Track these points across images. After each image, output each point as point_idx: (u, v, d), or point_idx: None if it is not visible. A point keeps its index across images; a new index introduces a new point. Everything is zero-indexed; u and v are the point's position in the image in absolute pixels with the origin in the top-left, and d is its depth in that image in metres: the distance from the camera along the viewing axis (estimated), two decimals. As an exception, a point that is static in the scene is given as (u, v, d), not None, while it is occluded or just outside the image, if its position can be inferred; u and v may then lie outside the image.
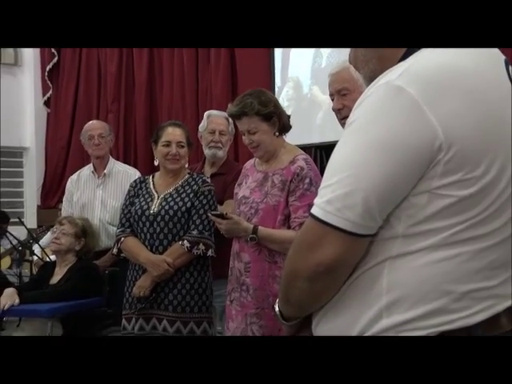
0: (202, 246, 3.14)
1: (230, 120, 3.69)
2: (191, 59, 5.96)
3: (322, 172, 1.28)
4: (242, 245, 2.92)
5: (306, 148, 4.36)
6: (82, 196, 4.23)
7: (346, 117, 2.41)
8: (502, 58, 1.28)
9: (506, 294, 1.23)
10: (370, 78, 1.31)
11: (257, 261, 2.87)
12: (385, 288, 1.19)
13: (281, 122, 2.93)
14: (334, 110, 2.52)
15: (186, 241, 3.13)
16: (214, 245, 3.20)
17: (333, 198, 1.17)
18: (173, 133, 3.28)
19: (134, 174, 4.22)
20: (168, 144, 3.24)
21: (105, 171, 4.24)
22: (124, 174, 4.22)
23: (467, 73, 1.17)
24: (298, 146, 3.13)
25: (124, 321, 3.23)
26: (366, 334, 1.21)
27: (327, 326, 1.28)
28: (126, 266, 3.38)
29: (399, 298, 1.18)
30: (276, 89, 5.19)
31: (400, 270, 1.19)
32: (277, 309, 1.41)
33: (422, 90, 1.14)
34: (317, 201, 1.21)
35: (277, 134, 2.94)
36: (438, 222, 1.16)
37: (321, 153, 4.75)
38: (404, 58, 1.24)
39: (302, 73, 5.09)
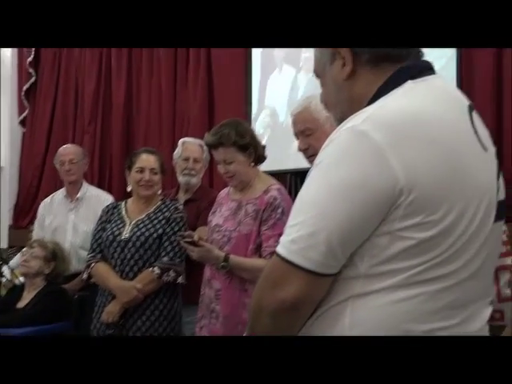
0: (172, 273, 3.14)
1: (205, 147, 3.72)
2: (169, 83, 5.98)
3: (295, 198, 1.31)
4: (214, 272, 2.93)
5: (281, 174, 4.41)
6: (54, 220, 4.22)
7: (313, 155, 2.49)
8: (466, 103, 1.31)
9: (465, 332, 1.25)
10: (340, 119, 1.34)
11: (227, 288, 2.88)
12: (347, 326, 1.22)
13: (257, 153, 2.97)
14: (299, 150, 2.55)
15: (156, 267, 3.13)
16: (185, 272, 3.20)
17: (297, 237, 1.20)
18: (147, 159, 3.30)
19: (107, 199, 4.22)
20: (141, 170, 3.26)
21: (78, 196, 4.23)
22: (97, 198, 4.22)
23: (430, 121, 1.21)
24: (273, 171, 3.15)
25: (92, 346, 3.20)
26: None
27: None
28: (95, 290, 3.36)
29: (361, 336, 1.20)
30: (252, 116, 5.22)
31: (362, 308, 1.21)
32: None
33: (385, 136, 1.17)
34: (282, 239, 1.24)
35: (252, 164, 2.97)
36: (398, 262, 1.19)
37: (295, 179, 4.78)
38: (373, 100, 1.27)
39: (278, 101, 5.14)
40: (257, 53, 5.22)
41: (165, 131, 6.04)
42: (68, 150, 4.37)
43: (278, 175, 4.81)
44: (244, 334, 1.45)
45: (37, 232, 4.29)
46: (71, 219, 4.17)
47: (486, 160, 1.29)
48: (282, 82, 5.12)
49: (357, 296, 1.21)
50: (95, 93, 6.58)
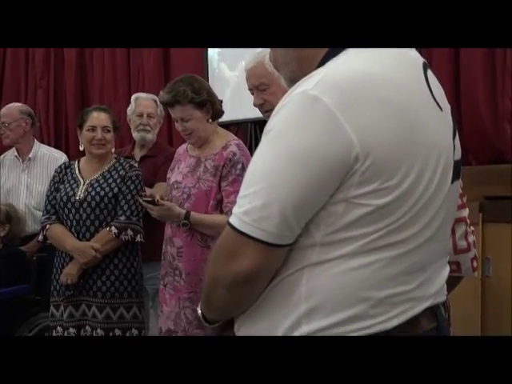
0: (130, 232, 3.10)
1: (158, 102, 3.64)
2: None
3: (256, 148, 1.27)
4: (175, 230, 2.91)
5: (241, 123, 4.33)
6: (6, 181, 4.10)
7: (269, 110, 2.43)
8: (421, 61, 1.27)
9: (423, 295, 1.24)
10: (291, 79, 1.30)
11: (189, 246, 2.87)
12: (304, 295, 1.19)
13: (214, 109, 2.92)
14: (255, 105, 2.49)
15: (113, 227, 3.08)
16: (143, 230, 3.15)
17: (249, 208, 1.16)
18: (98, 117, 3.20)
19: (61, 157, 4.11)
20: (93, 129, 3.17)
21: (29, 155, 4.11)
22: (50, 157, 4.10)
23: (384, 81, 1.16)
24: (234, 121, 3.03)
25: (52, 308, 3.17)
26: None
27: (249, 332, 1.28)
28: (54, 251, 3.30)
29: (318, 305, 1.18)
30: (209, 68, 5.11)
31: (318, 277, 1.19)
32: (199, 311, 1.41)
33: (337, 100, 1.12)
34: (235, 210, 1.20)
35: (210, 120, 2.91)
36: (355, 230, 1.16)
37: (255, 128, 4.72)
38: (324, 61, 1.22)
39: (237, 51, 5.02)
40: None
41: (120, 86, 5.90)
42: (3, 112, 4.17)
43: (239, 125, 4.78)
44: (199, 305, 1.42)
45: None
46: (24, 180, 4.06)
47: (441, 119, 1.26)
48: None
49: (313, 265, 1.19)
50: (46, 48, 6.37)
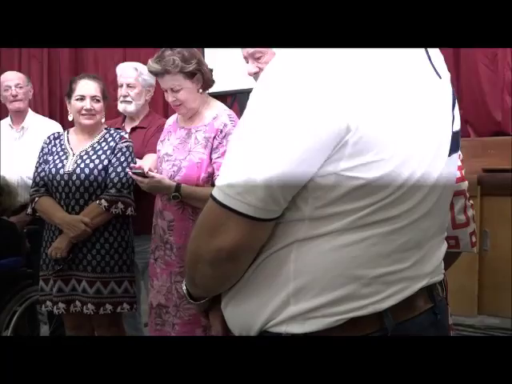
0: (120, 205, 3.01)
1: (141, 70, 3.54)
2: None
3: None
4: (165, 203, 2.85)
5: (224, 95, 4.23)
6: None
7: None
8: None
9: (418, 275, 1.18)
10: None
11: (180, 219, 2.81)
12: (292, 273, 1.13)
13: (205, 79, 2.82)
14: (249, 74, 2.39)
15: (103, 200, 2.99)
16: (134, 202, 3.08)
17: (233, 181, 1.09)
18: (87, 86, 3.08)
19: (56, 127, 3.99)
20: (82, 98, 3.06)
21: (23, 124, 4.02)
22: (45, 127, 3.97)
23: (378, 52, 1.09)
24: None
25: (41, 282, 3.11)
26: (274, 321, 1.16)
27: (236, 310, 1.23)
28: (44, 223, 3.23)
29: (306, 284, 1.12)
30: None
31: (307, 254, 1.12)
32: (184, 288, 1.35)
33: (327, 66, 1.05)
34: (218, 182, 1.13)
35: (200, 90, 2.82)
36: (345, 204, 1.10)
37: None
38: None
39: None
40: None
41: (116, 54, 5.79)
42: (13, 75, 4.12)
43: (235, 95, 4.68)
44: (183, 282, 1.36)
45: None
46: (17, 149, 3.96)
47: (440, 88, 1.18)
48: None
49: (301, 240, 1.12)
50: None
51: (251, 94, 1.12)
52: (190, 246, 1.22)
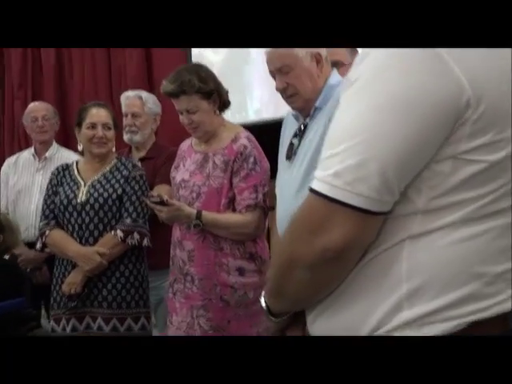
0: (136, 235, 2.88)
1: (146, 99, 3.45)
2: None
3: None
4: (184, 232, 2.70)
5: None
6: (18, 180, 3.88)
7: (292, 95, 2.25)
8: None
9: None
10: None
11: (201, 248, 2.66)
12: (404, 274, 1.01)
13: (221, 99, 2.72)
14: (277, 89, 2.31)
15: (119, 230, 2.85)
16: (149, 233, 2.94)
17: (341, 169, 0.98)
18: (97, 114, 2.99)
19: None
20: (93, 126, 2.96)
21: (46, 154, 3.91)
22: (68, 159, 3.76)
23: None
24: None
25: (53, 322, 2.94)
26: (382, 330, 1.04)
27: (333, 321, 1.10)
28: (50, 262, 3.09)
29: (422, 285, 1.01)
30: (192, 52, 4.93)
31: (422, 251, 1.01)
32: (263, 303, 1.22)
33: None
34: (320, 174, 1.01)
35: (217, 112, 2.72)
36: (464, 192, 0.99)
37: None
38: None
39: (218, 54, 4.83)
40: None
41: (101, 91, 5.68)
42: (40, 106, 4.04)
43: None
44: (262, 294, 1.24)
45: (1, 192, 3.94)
46: (38, 180, 3.83)
47: None
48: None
49: (414, 236, 1.01)
50: (23, 55, 6.14)
51: (348, 78, 1.03)
52: (281, 252, 1.11)
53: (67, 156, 3.93)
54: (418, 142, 0.96)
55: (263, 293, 1.23)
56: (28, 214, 3.77)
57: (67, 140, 4.78)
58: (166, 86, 2.68)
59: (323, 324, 1.12)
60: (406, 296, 1.01)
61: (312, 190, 1.02)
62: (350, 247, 1.01)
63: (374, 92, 0.98)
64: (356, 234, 1.00)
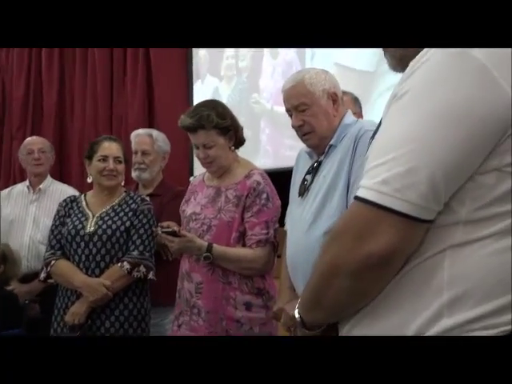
0: (142, 268, 2.87)
1: (156, 137, 3.50)
2: (105, 83, 5.66)
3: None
4: (193, 264, 2.70)
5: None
6: (12, 211, 3.85)
7: (308, 133, 2.29)
8: None
9: None
10: (400, 57, 1.18)
11: (209, 281, 2.65)
12: (446, 282, 1.03)
13: (237, 136, 2.77)
14: (293, 127, 2.36)
15: (125, 262, 2.85)
16: (155, 267, 2.94)
17: (389, 176, 1.01)
18: (109, 147, 3.03)
19: (73, 192, 3.85)
20: (104, 159, 2.99)
21: (40, 186, 3.90)
22: (62, 192, 3.84)
23: None
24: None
25: (52, 354, 2.88)
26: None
27: (371, 329, 1.11)
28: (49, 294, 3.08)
29: (463, 293, 1.03)
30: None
31: (463, 260, 1.03)
32: (297, 315, 1.23)
33: (488, 53, 1.01)
34: (366, 183, 1.05)
35: (232, 148, 2.77)
36: (506, 204, 1.03)
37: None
38: None
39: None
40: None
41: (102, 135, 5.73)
42: (37, 140, 4.09)
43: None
44: (296, 306, 1.25)
45: None
46: (32, 212, 3.82)
47: None
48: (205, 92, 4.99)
49: (457, 246, 1.04)
50: (24, 96, 6.20)
51: (395, 93, 1.07)
52: (322, 260, 1.12)
53: (61, 188, 3.95)
54: (465, 152, 1.00)
55: (297, 305, 1.24)
56: (21, 246, 3.71)
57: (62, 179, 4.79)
58: (184, 120, 2.72)
59: (364, 332, 1.12)
60: (447, 304, 1.03)
61: (358, 198, 1.05)
62: (394, 254, 1.03)
63: (423, 105, 1.02)
64: (401, 241, 1.02)
